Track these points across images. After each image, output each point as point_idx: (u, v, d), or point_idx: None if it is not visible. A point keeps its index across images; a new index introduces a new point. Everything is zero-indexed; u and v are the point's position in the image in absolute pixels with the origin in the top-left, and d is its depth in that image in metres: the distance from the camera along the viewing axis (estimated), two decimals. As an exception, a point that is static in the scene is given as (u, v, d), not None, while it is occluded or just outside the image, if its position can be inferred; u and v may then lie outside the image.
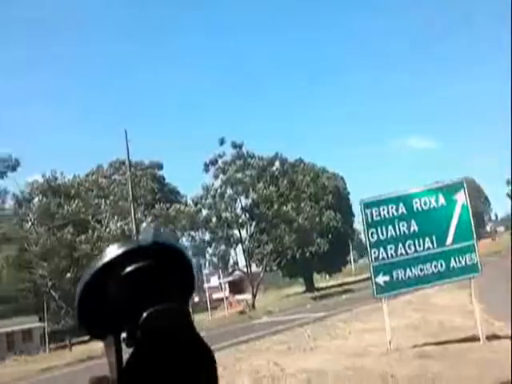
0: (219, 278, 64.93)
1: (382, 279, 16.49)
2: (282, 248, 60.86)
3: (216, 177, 59.34)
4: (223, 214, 59.31)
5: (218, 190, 58.59)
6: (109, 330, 1.06)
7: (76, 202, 51.50)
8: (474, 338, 15.34)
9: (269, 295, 70.05)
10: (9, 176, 49.75)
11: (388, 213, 16.51)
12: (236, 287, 73.56)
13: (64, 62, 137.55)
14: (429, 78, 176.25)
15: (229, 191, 58.60)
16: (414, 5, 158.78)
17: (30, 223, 52.29)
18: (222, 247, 62.09)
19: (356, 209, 79.62)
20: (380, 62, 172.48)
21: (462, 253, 16.23)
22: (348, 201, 77.50)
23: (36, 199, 52.12)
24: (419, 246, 16.39)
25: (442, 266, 16.26)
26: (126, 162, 52.55)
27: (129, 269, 1.05)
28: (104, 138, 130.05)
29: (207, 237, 60.86)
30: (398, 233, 16.45)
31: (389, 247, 16.47)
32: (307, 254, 67.99)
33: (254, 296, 58.16)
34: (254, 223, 59.98)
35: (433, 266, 16.32)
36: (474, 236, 16.51)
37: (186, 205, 60.46)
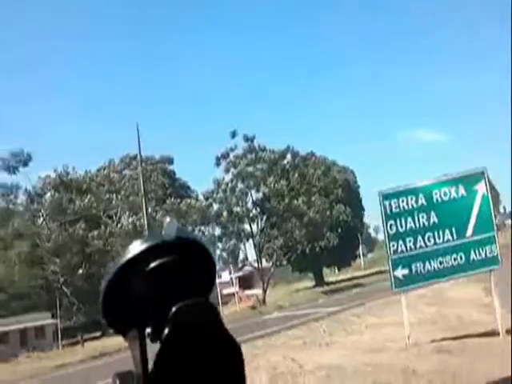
0: (230, 273, 64.50)
1: (400, 272, 15.90)
2: (292, 242, 60.42)
3: (227, 171, 59.08)
4: (234, 209, 58.92)
5: (229, 184, 58.22)
6: (133, 324, 1.03)
7: (88, 197, 51.32)
8: (493, 333, 14.73)
9: (278, 290, 69.41)
10: (20, 171, 49.22)
11: (407, 204, 15.91)
12: (246, 282, 73.07)
13: (71, 56, 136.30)
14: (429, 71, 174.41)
15: (240, 185, 58.23)
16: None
17: (41, 219, 52.14)
18: (232, 242, 61.51)
19: (366, 202, 79.54)
20: (380, 57, 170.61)
21: (482, 245, 15.61)
22: (358, 194, 77.13)
23: (48, 194, 51.91)
24: (439, 238, 15.76)
25: (461, 258, 15.65)
26: (138, 157, 52.14)
27: (153, 264, 1.02)
28: (114, 133, 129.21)
29: (217, 232, 60.60)
30: (417, 225, 15.84)
31: (408, 240, 15.86)
32: (317, 249, 67.58)
33: (265, 291, 57.70)
34: (264, 217, 59.37)
35: (452, 259, 15.70)
36: (495, 227, 15.92)
37: (197, 199, 60.16)
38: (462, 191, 15.79)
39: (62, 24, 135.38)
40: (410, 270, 15.84)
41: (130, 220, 49.72)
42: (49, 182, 51.65)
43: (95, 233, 48.73)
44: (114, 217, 52.34)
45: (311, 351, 17.94)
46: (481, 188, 15.80)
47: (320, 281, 74.27)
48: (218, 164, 59.52)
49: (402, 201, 15.94)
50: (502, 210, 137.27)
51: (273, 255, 61.58)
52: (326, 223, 62.84)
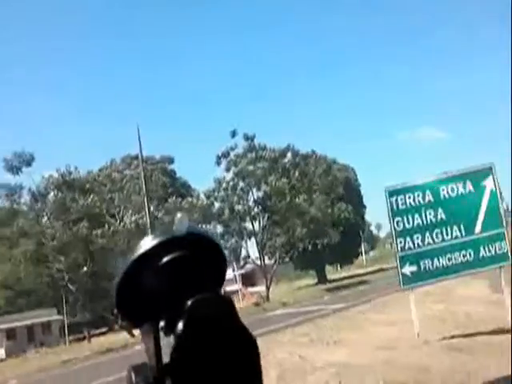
0: (233, 270, 64.33)
1: (408, 269, 15.67)
2: (293, 240, 60.16)
3: (228, 170, 58.77)
4: (236, 207, 58.69)
5: (231, 183, 57.94)
6: (147, 318, 1.03)
7: (91, 196, 51.19)
8: (504, 330, 14.31)
9: (281, 287, 69.32)
10: (24, 171, 49.08)
11: (414, 200, 15.66)
12: (248, 280, 72.84)
13: (71, 55, 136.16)
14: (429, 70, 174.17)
15: (241, 184, 57.95)
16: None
17: (45, 218, 52.11)
18: (233, 240, 61.42)
19: (367, 200, 79.37)
20: (380, 56, 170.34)
21: (492, 241, 15.35)
22: (359, 192, 77.10)
23: (51, 194, 51.85)
24: (447, 234, 15.51)
25: (470, 255, 15.39)
26: (139, 157, 52.13)
27: (165, 259, 1.03)
28: (114, 133, 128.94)
29: (219, 230, 60.27)
30: (424, 221, 15.59)
31: (415, 236, 15.63)
32: (319, 246, 67.35)
33: (268, 288, 57.39)
34: (266, 215, 59.03)
35: (461, 256, 15.43)
36: (504, 224, 15.56)
37: (199, 198, 59.87)
38: (469, 187, 15.53)
39: (61, 23, 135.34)
40: (419, 266, 15.61)
41: (133, 219, 49.52)
42: (52, 181, 51.38)
43: (99, 231, 48.48)
44: (117, 216, 52.13)
45: (319, 348, 17.67)
46: (489, 184, 15.53)
47: (322, 278, 74.14)
48: (218, 163, 59.30)
49: (409, 197, 15.70)
50: (505, 207, 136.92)
51: (275, 253, 61.33)
52: (328, 221, 62.40)
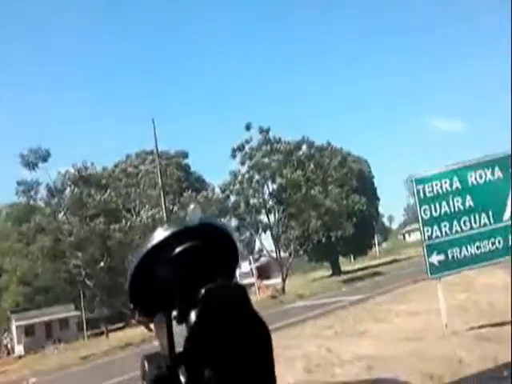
0: (250, 263, 64.03)
1: (435, 259, 15.20)
2: (308, 232, 59.61)
3: (243, 163, 58.16)
4: (251, 200, 58.18)
5: (246, 176, 57.39)
6: (160, 308, 1.05)
7: (108, 191, 51.15)
8: (528, 319, 13.82)
9: (295, 280, 68.73)
10: (40, 167, 48.84)
11: (441, 188, 15.12)
12: (263, 273, 72.48)
13: (84, 51, 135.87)
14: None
15: (256, 176, 57.30)
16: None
17: (62, 213, 51.90)
18: (248, 234, 61.01)
19: (380, 192, 78.86)
20: (387, 46, 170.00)
21: (521, 228, 14.78)
22: (372, 184, 76.59)
23: (68, 190, 51.65)
24: (475, 222, 15.01)
25: (499, 242, 14.88)
26: (154, 151, 52.14)
27: (178, 249, 1.03)
28: (128, 128, 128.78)
29: (234, 223, 59.74)
30: (452, 209, 15.09)
31: (443, 224, 15.13)
32: (333, 238, 66.98)
33: (284, 281, 56.86)
34: (281, 208, 58.46)
35: (490, 243, 14.94)
36: (534, 210, 15.01)
37: (214, 192, 59.69)
38: (498, 173, 14.94)
39: (70, 17, 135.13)
40: (446, 255, 15.14)
41: (149, 213, 49.17)
42: (68, 177, 51.17)
43: (116, 226, 48.23)
44: (133, 211, 51.90)
45: (345, 341, 17.08)
46: (518, 170, 14.96)
47: (336, 270, 73.70)
48: (233, 156, 58.70)
49: (436, 185, 15.16)
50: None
51: (290, 245, 60.79)
52: (343, 213, 61.81)
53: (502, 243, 14.80)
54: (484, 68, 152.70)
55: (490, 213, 14.91)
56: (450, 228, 15.06)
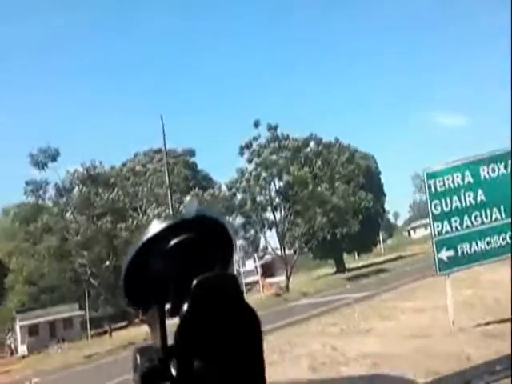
0: (254, 261, 63.81)
1: (445, 254, 14.78)
2: (313, 230, 59.23)
3: (250, 160, 57.75)
4: (258, 198, 57.80)
5: (253, 173, 56.89)
6: (154, 301, 1.03)
7: (115, 190, 51.20)
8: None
9: (299, 277, 68.21)
10: (49, 166, 48.83)
11: (453, 182, 14.68)
12: (267, 270, 72.26)
13: (91, 46, 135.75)
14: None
15: (263, 174, 56.81)
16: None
17: (69, 213, 51.98)
18: (252, 231, 60.52)
19: (386, 188, 78.43)
20: (387, 44, 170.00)
21: (533, 224, 14.36)
22: (379, 180, 76.18)
23: (76, 189, 51.68)
24: (486, 217, 14.61)
25: (510, 238, 14.41)
26: (163, 148, 52.05)
27: (173, 241, 1.02)
28: (136, 126, 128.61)
29: (240, 221, 59.71)
30: (463, 204, 14.68)
31: (453, 219, 14.73)
32: (338, 235, 66.57)
33: (288, 278, 56.40)
34: (288, 205, 58.04)
35: (501, 239, 14.52)
36: (546, 205, 14.54)
37: (220, 190, 59.40)
38: (510, 168, 14.49)
39: (77, 12, 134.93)
40: (456, 251, 14.72)
41: (156, 212, 48.86)
42: (77, 176, 51.27)
43: (123, 225, 48.13)
44: (139, 209, 51.89)
45: (350, 338, 16.67)
46: (532, 164, 14.54)
47: (341, 267, 73.27)
48: (241, 153, 58.36)
49: (448, 179, 14.73)
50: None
51: (295, 243, 60.33)
52: (349, 209, 61.66)
53: (513, 239, 14.33)
54: (485, 64, 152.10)
55: (502, 207, 14.49)
56: (461, 223, 14.67)
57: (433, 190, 14.84)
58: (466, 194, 14.57)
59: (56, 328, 57.00)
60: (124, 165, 62.23)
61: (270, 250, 62.76)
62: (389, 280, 38.89)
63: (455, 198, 14.63)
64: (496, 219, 14.46)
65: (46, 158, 48.59)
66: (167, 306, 1.00)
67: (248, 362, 0.98)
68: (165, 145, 50.89)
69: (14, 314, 60.45)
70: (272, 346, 16.81)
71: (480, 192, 14.52)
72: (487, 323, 14.32)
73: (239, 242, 62.64)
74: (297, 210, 57.20)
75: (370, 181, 72.68)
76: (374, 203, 71.60)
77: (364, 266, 70.46)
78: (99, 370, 29.45)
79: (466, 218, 14.58)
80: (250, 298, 52.15)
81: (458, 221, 14.61)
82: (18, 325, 57.17)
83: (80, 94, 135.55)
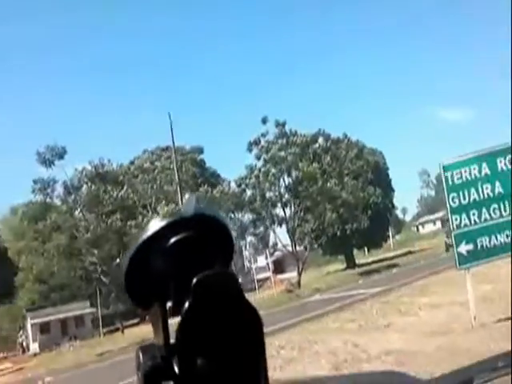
0: (266, 257, 63.71)
1: (464, 248, 14.54)
2: (323, 226, 59.04)
3: (259, 157, 57.30)
4: (267, 194, 57.46)
5: (262, 169, 56.58)
6: (155, 299, 1.03)
7: (124, 188, 51.22)
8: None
9: (310, 273, 67.99)
10: (56, 164, 48.79)
11: (470, 174, 14.43)
12: (278, 266, 72.14)
13: (99, 43, 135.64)
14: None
15: (272, 170, 56.54)
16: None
17: (78, 211, 52.14)
18: (262, 228, 60.09)
19: (395, 184, 78.24)
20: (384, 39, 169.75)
21: (553, 215, 14.15)
22: (387, 176, 75.90)
23: (84, 187, 51.78)
24: (505, 209, 14.32)
25: (530, 231, 14.17)
26: (171, 145, 52.27)
27: (172, 240, 1.01)
28: (144, 124, 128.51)
29: (249, 218, 59.56)
30: (481, 196, 14.43)
31: (471, 212, 14.49)
32: (348, 231, 66.43)
33: (300, 274, 56.16)
34: (297, 201, 57.79)
35: (520, 231, 14.22)
36: None
37: (230, 186, 59.31)
38: (529, 159, 14.25)
39: (84, 9, 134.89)
40: (475, 245, 14.45)
41: (166, 209, 48.70)
42: (85, 174, 51.24)
43: (132, 223, 48.03)
44: (149, 207, 51.81)
45: (370, 335, 16.40)
46: (551, 155, 14.30)
47: (351, 263, 73.02)
48: (250, 150, 57.88)
49: (465, 171, 14.47)
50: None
51: (304, 239, 60.15)
52: (359, 205, 61.52)
53: (533, 231, 14.12)
54: (485, 56, 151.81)
55: (522, 199, 14.22)
56: (479, 216, 14.44)
57: (450, 182, 14.60)
58: (484, 187, 14.33)
59: (67, 326, 57.00)
60: (132, 163, 62.17)
61: (280, 246, 62.60)
62: (401, 275, 38.60)
63: (473, 190, 14.41)
64: (515, 211, 14.19)
65: (53, 156, 48.46)
66: (168, 305, 0.99)
67: (250, 360, 0.98)
68: (173, 141, 50.97)
69: (24, 312, 60.50)
70: (291, 342, 16.68)
71: (498, 184, 14.26)
72: (507, 318, 14.05)
73: (249, 239, 62.74)
74: (306, 206, 56.96)
75: (379, 176, 72.36)
76: (382, 199, 71.27)
77: (374, 262, 70.22)
78: (112, 368, 29.27)
79: (484, 210, 14.36)
80: (262, 295, 52.13)
81: (477, 214, 14.39)
82: (29, 323, 57.17)
83: (83, 94, 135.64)
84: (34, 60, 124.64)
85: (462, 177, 14.46)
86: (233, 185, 59.90)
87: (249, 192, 57.72)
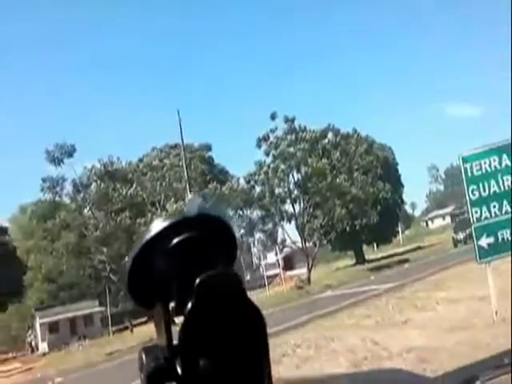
0: (276, 254, 63.50)
1: (485, 241, 14.23)
2: (333, 221, 58.76)
3: (267, 153, 56.99)
4: (276, 190, 57.11)
5: (271, 165, 56.28)
6: (159, 299, 1.02)
7: (134, 185, 51.26)
8: None
9: (319, 269, 67.78)
10: (65, 162, 48.82)
11: (490, 166, 14.05)
12: (287, 263, 71.91)
13: (107, 40, 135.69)
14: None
15: (282, 166, 56.13)
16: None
17: (87, 208, 52.20)
18: (270, 225, 59.78)
19: (406, 179, 77.88)
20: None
21: None
22: (397, 171, 75.61)
23: (93, 185, 51.73)
24: (526, 201, 13.92)
25: (552, 223, 13.83)
26: (181, 142, 52.39)
27: (175, 240, 1.01)
28: (152, 121, 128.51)
29: (258, 214, 59.32)
30: (501, 188, 14.05)
31: (492, 205, 14.14)
32: (357, 227, 66.08)
33: (310, 271, 55.83)
34: (307, 197, 57.50)
35: (542, 224, 13.88)
36: None
37: (238, 183, 59.13)
38: (550, 150, 13.89)
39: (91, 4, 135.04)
40: (496, 238, 14.12)
41: (175, 206, 48.53)
42: (94, 172, 51.27)
43: (141, 220, 47.88)
44: (158, 204, 51.66)
45: (388, 331, 16.04)
46: None
47: (361, 259, 72.81)
48: (259, 146, 57.60)
49: (484, 163, 14.10)
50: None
51: (313, 235, 59.80)
52: (369, 200, 61.22)
53: (554, 223, 13.79)
54: (490, 51, 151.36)
55: (542, 191, 13.85)
56: (500, 208, 14.11)
57: (469, 174, 14.27)
58: (504, 178, 13.99)
59: (76, 325, 56.89)
60: (141, 160, 62.13)
61: (288, 242, 62.29)
62: (413, 270, 38.16)
63: (493, 182, 14.08)
64: (536, 203, 13.87)
65: (62, 154, 48.41)
66: (171, 305, 0.98)
67: (253, 360, 0.96)
68: (182, 139, 50.47)
69: (33, 311, 60.48)
70: (307, 340, 16.35)
71: (518, 175, 13.88)
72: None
73: (257, 236, 62.53)
74: (316, 202, 56.65)
75: (388, 172, 72.03)
76: (392, 194, 70.98)
77: (384, 258, 69.80)
78: (122, 368, 28.88)
79: (505, 202, 14.03)
80: (272, 291, 51.83)
81: (497, 206, 14.07)
82: (37, 322, 57.09)
83: (84, 90, 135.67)
84: (33, 56, 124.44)
85: (481, 168, 14.13)
86: (241, 181, 59.77)
87: (258, 188, 57.57)
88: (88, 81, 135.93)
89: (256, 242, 65.61)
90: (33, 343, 58.91)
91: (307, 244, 59.89)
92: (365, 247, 78.42)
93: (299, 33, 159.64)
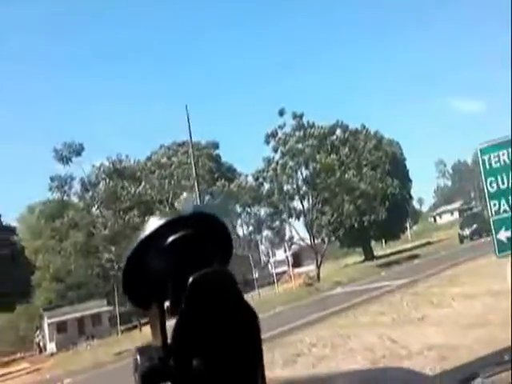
0: (285, 251, 63.30)
1: (504, 235, 13.59)
2: (341, 218, 58.54)
3: (276, 149, 56.55)
4: (285, 187, 56.75)
5: (280, 162, 55.83)
6: (154, 299, 1.02)
7: (142, 184, 51.26)
8: None
9: (327, 266, 67.31)
10: (74, 161, 49.09)
11: (509, 157, 13.59)
12: (295, 260, 71.65)
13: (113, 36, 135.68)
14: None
15: (290, 163, 55.79)
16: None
17: (96, 207, 52.23)
18: (278, 222, 59.78)
19: (413, 175, 77.53)
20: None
21: None
22: (405, 167, 75.32)
23: (102, 183, 51.66)
24: (547, 194, 13.51)
25: None
26: (189, 138, 51.37)
27: (171, 238, 1.01)
28: (159, 118, 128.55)
29: (266, 211, 59.23)
30: (521, 180, 13.58)
31: (511, 197, 13.63)
32: (366, 223, 65.88)
33: (319, 267, 55.44)
34: (315, 193, 57.12)
35: None
36: None
37: (247, 180, 58.79)
38: None
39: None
40: (515, 231, 13.61)
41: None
42: (103, 170, 51.34)
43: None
44: (166, 202, 51.44)
45: (405, 329, 15.70)
46: None
47: (369, 255, 72.46)
48: (267, 142, 57.15)
49: (503, 154, 13.58)
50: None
51: (322, 232, 59.66)
52: (378, 196, 60.85)
53: None
54: (495, 44, 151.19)
55: None
56: (520, 201, 13.64)
57: (487, 166, 13.80)
58: (524, 169, 13.57)
59: (84, 324, 56.76)
60: (149, 158, 62.09)
61: (296, 239, 62.08)
62: (424, 266, 37.72)
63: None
64: (558, 195, 13.48)
65: (70, 152, 48.58)
66: (166, 304, 0.98)
67: (247, 360, 0.97)
68: (190, 136, 50.10)
69: (41, 311, 60.40)
70: (322, 338, 16.00)
71: (538, 167, 13.51)
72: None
73: (265, 233, 62.34)
74: (324, 198, 56.36)
75: (396, 167, 71.85)
76: (400, 189, 70.81)
77: (393, 253, 69.41)
78: (131, 368, 28.71)
79: (525, 195, 13.60)
80: (281, 289, 51.51)
81: (516, 198, 13.64)
82: (45, 322, 57.02)
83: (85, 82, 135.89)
84: (33, 48, 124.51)
85: (499, 160, 13.68)
86: (250, 179, 59.45)
87: (266, 185, 57.25)
88: (89, 73, 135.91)
89: (264, 240, 65.52)
90: (41, 343, 58.81)
91: (316, 241, 59.53)
92: (373, 243, 78.13)
93: (306, 27, 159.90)
